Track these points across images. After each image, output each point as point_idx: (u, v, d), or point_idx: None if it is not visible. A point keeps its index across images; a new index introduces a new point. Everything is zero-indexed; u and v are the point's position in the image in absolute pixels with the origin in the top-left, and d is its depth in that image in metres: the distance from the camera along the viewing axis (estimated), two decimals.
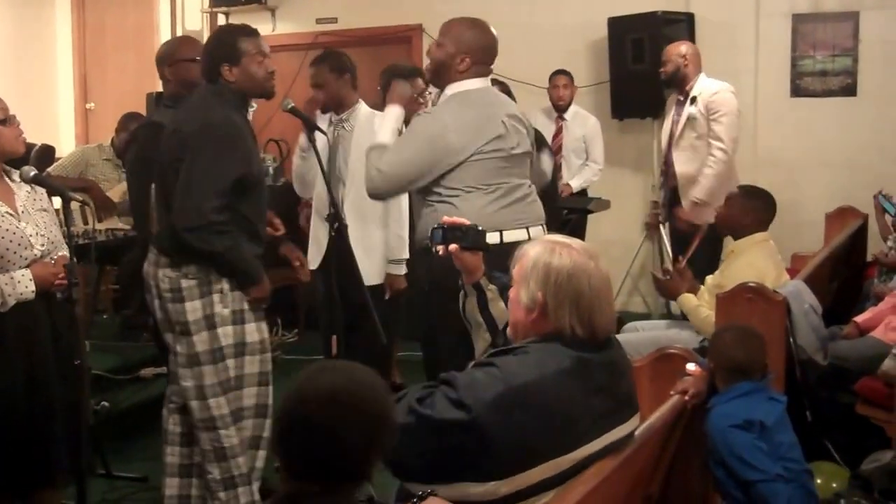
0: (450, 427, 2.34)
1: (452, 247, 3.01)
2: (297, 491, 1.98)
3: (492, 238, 3.41)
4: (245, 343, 3.96)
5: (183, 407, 4.02)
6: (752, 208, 4.81)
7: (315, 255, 5.01)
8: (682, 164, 6.19)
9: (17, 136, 3.62)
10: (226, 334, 3.90)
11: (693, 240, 5.40)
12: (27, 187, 3.64)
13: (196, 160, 3.75)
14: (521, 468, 2.35)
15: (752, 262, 4.62)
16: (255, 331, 4.00)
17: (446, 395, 2.37)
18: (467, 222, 3.06)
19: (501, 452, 2.33)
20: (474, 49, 3.96)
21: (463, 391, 2.36)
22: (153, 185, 4.06)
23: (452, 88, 3.99)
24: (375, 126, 4.13)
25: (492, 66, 4.08)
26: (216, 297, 3.88)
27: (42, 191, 3.70)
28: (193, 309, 3.85)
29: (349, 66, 4.99)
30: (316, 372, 2.06)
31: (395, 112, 4.11)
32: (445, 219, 3.10)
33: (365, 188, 4.02)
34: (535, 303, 2.55)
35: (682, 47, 6.25)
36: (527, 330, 2.60)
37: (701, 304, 4.66)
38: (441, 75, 4.03)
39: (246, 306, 3.96)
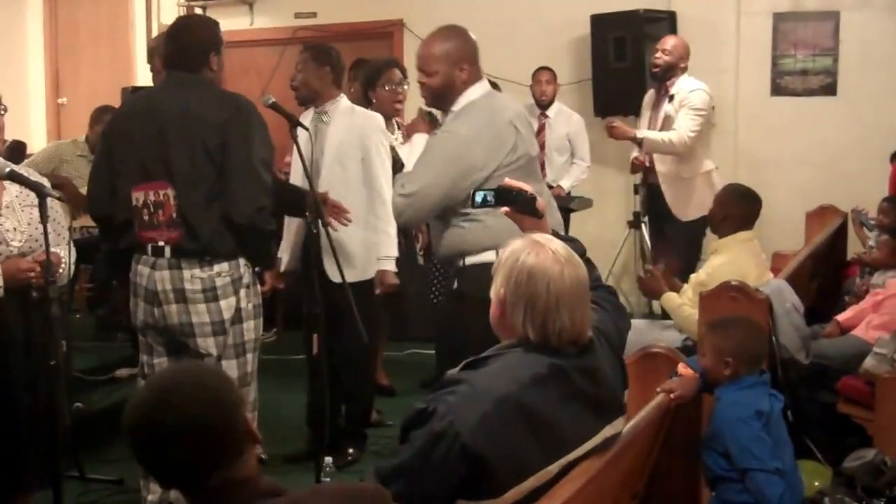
0: (444, 464, 2.30)
1: (504, 209, 3.02)
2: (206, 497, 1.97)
3: None
4: (258, 338, 4.04)
5: None
6: (729, 206, 4.85)
7: (290, 255, 5.04)
8: (664, 165, 6.28)
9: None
10: (248, 329, 3.96)
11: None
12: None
13: (249, 143, 3.76)
14: (516, 482, 2.34)
15: (733, 259, 4.66)
16: (261, 326, 4.07)
17: (429, 432, 2.32)
18: (523, 186, 3.03)
19: (496, 472, 2.32)
20: (463, 55, 3.83)
21: (443, 422, 2.31)
22: (143, 191, 3.89)
23: (459, 104, 3.85)
24: (404, 154, 4.06)
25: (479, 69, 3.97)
26: (243, 291, 3.92)
27: None
28: (229, 307, 3.88)
29: (332, 61, 4.97)
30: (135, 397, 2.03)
31: (423, 141, 4.04)
32: (507, 180, 3.08)
33: (395, 220, 4.03)
34: (497, 297, 2.57)
35: (684, 43, 6.36)
36: (496, 325, 2.61)
37: (684, 302, 4.70)
38: (447, 97, 3.87)
39: (259, 301, 4.01)
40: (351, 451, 5.03)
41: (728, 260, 4.67)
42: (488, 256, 3.61)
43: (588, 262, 2.98)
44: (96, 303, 6.73)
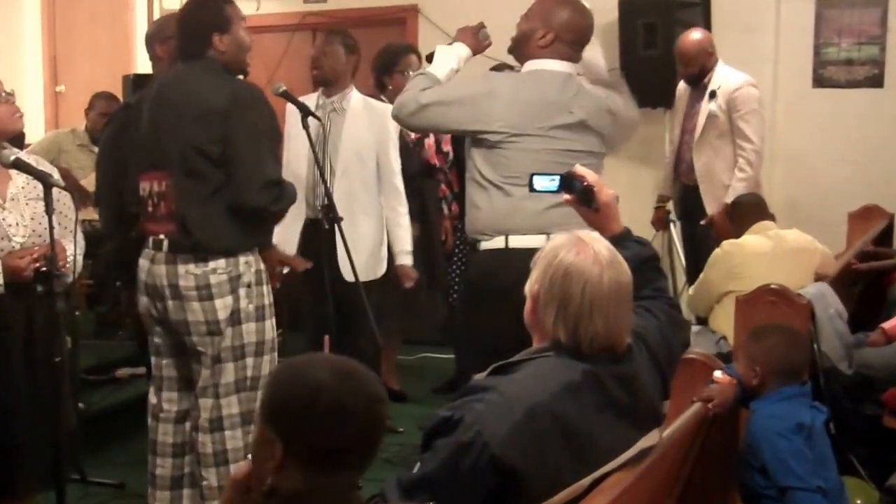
0: (472, 476, 2.29)
1: (566, 197, 3.05)
2: (302, 487, 1.98)
3: (538, 242, 3.26)
4: (264, 342, 4.02)
5: (178, 416, 4.05)
6: (746, 214, 5.12)
7: (296, 252, 5.06)
8: (703, 165, 6.25)
9: (13, 112, 3.64)
10: (248, 331, 3.97)
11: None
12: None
13: (253, 130, 3.81)
14: (548, 495, 2.33)
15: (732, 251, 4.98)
16: (271, 328, 4.07)
17: (455, 442, 2.31)
18: (587, 174, 3.06)
19: (527, 485, 2.32)
20: (559, 26, 3.84)
21: (471, 431, 2.30)
22: (150, 181, 3.98)
23: (529, 66, 3.89)
24: (435, 57, 4.03)
25: (581, 52, 3.95)
26: (242, 291, 3.93)
27: None
28: (224, 306, 3.90)
29: (357, 51, 5.16)
30: (319, 359, 2.07)
31: (462, 52, 3.99)
32: (577, 167, 3.11)
33: (392, 112, 3.98)
34: (531, 293, 2.58)
35: (700, 37, 6.30)
36: (529, 322, 2.62)
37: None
38: (520, 48, 3.93)
39: (266, 301, 4.03)
40: None
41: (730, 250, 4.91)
42: (499, 242, 3.71)
43: (656, 269, 3.01)
44: (97, 299, 6.75)
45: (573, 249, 2.54)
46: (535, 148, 3.73)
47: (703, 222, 6.14)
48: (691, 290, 5.15)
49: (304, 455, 1.96)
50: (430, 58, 4.10)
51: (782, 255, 4.96)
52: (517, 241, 3.70)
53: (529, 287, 2.60)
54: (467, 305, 3.91)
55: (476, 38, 4.02)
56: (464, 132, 3.86)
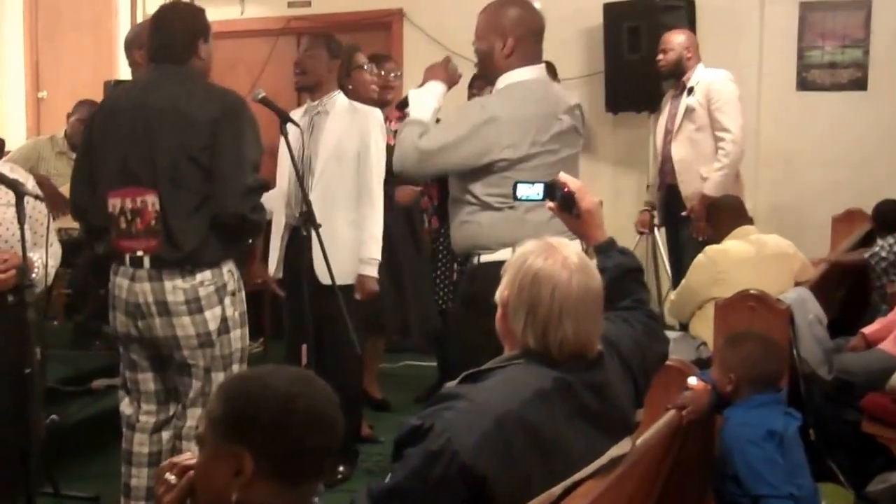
0: (442, 485, 2.29)
1: (549, 205, 3.07)
2: (272, 500, 1.99)
3: None
4: (244, 347, 4.05)
5: (156, 426, 4.05)
6: (724, 218, 5.10)
7: (277, 261, 5.07)
8: (680, 155, 6.25)
9: None
10: (235, 338, 3.98)
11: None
12: None
13: (240, 142, 3.79)
14: (518, 502, 2.32)
15: (714, 258, 4.96)
16: (247, 335, 4.10)
17: (425, 450, 2.31)
18: (570, 182, 3.06)
19: (497, 493, 2.31)
20: (513, 27, 3.82)
21: (441, 439, 2.30)
22: (121, 198, 3.88)
23: (503, 80, 3.87)
24: (411, 101, 4.02)
25: (541, 52, 3.95)
26: (228, 300, 3.93)
27: None
28: (214, 317, 3.89)
29: (341, 55, 5.11)
30: (271, 371, 2.08)
31: (437, 89, 3.99)
32: (561, 175, 3.11)
33: (395, 167, 3.97)
34: (501, 300, 2.59)
35: (682, 37, 6.33)
36: (499, 330, 2.62)
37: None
38: (487, 67, 3.92)
39: (245, 307, 4.04)
40: (341, 468, 5.04)
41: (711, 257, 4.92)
42: (505, 254, 3.61)
43: (638, 281, 3.01)
44: (74, 309, 6.74)
45: (542, 255, 2.55)
46: (535, 165, 3.72)
47: (683, 213, 6.14)
48: (673, 296, 5.16)
49: (275, 467, 1.97)
50: (402, 104, 4.10)
51: (765, 260, 4.99)
52: None
53: (499, 294, 2.60)
54: (468, 317, 3.84)
55: (447, 72, 4.05)
56: (472, 167, 3.78)
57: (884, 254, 5.68)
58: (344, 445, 5.05)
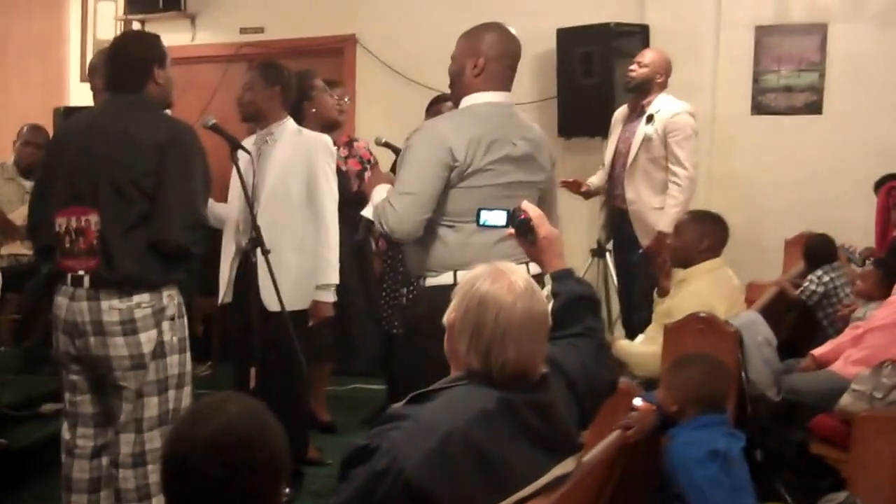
0: (387, 503, 2.35)
1: (509, 231, 3.19)
2: None
3: None
4: (184, 373, 4.07)
5: (94, 452, 4.08)
6: (706, 233, 4.95)
7: (227, 286, 5.10)
8: (634, 192, 6.30)
9: None
10: (171, 364, 4.01)
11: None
12: None
13: (187, 171, 3.86)
14: None
15: (698, 290, 4.75)
16: (189, 361, 4.12)
17: (371, 470, 2.38)
18: (529, 209, 3.17)
19: None
20: (487, 48, 3.89)
21: (386, 458, 2.37)
22: (67, 217, 3.95)
23: (465, 102, 3.92)
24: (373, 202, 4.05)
25: (511, 79, 3.98)
26: (166, 324, 3.97)
27: None
28: (148, 340, 3.93)
29: (282, 81, 5.11)
30: (196, 416, 2.13)
31: (383, 190, 4.00)
32: (523, 203, 3.21)
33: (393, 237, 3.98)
34: (448, 322, 2.67)
35: (661, 58, 6.40)
36: (447, 352, 2.70)
37: (634, 345, 4.81)
38: (455, 86, 3.97)
39: (186, 333, 4.07)
40: (287, 490, 5.06)
41: (691, 291, 4.76)
42: (448, 278, 3.74)
43: (590, 309, 3.09)
44: (23, 334, 6.75)
45: (489, 279, 2.63)
46: (481, 184, 3.80)
47: (640, 252, 6.20)
48: (638, 348, 4.97)
49: None
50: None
51: (731, 295, 5.01)
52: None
53: (447, 315, 2.69)
54: (413, 341, 3.91)
55: (386, 176, 4.23)
56: (448, 176, 3.79)
57: (813, 287, 5.84)
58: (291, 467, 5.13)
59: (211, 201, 4.45)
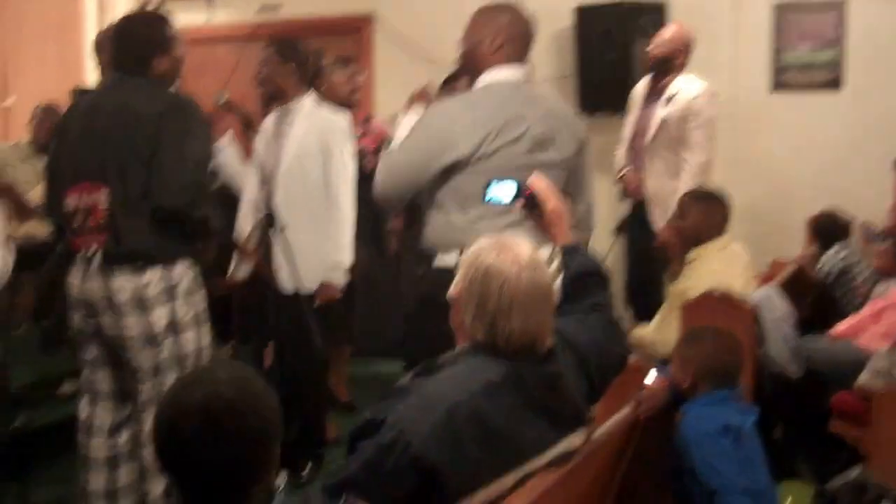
0: (394, 475, 2.37)
1: (518, 203, 3.23)
2: None
3: None
4: (202, 348, 4.08)
5: (112, 428, 4.10)
6: (710, 211, 4.91)
7: (241, 262, 5.11)
8: (653, 179, 6.29)
9: None
10: (187, 340, 4.02)
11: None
12: None
13: (184, 137, 3.86)
14: (470, 493, 2.41)
15: (712, 269, 4.70)
16: (207, 333, 4.13)
17: (378, 443, 2.41)
18: (536, 184, 3.19)
19: (448, 483, 2.39)
20: (507, 28, 3.86)
21: (393, 431, 2.40)
22: (77, 194, 3.98)
23: (482, 80, 3.88)
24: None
25: (526, 54, 3.94)
26: (180, 300, 3.98)
27: None
28: (160, 317, 3.94)
29: (298, 57, 5.11)
30: (186, 382, 2.16)
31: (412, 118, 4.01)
32: (533, 177, 3.24)
33: (374, 195, 3.99)
34: (453, 295, 2.69)
35: (685, 32, 6.35)
36: (453, 325, 2.72)
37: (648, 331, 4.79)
38: (471, 63, 3.93)
39: (202, 307, 4.08)
40: (305, 471, 5.11)
41: (710, 270, 4.71)
42: (452, 259, 3.68)
43: (599, 283, 3.12)
44: (41, 314, 6.78)
45: (494, 251, 2.65)
46: (491, 166, 3.71)
47: (655, 244, 6.15)
48: (652, 330, 4.89)
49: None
50: None
51: (744, 272, 4.97)
52: None
53: (453, 289, 2.71)
54: (419, 319, 3.94)
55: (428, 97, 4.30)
56: (432, 171, 3.74)
57: (827, 268, 5.82)
58: (309, 447, 5.14)
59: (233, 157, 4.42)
